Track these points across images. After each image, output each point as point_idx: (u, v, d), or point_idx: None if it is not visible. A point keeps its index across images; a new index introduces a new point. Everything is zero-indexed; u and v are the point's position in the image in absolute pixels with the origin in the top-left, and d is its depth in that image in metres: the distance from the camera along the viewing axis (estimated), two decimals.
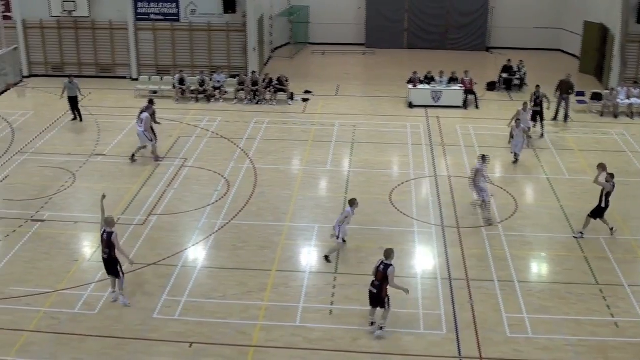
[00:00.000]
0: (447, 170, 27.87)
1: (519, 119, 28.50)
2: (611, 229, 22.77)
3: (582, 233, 22.86)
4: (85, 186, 26.88)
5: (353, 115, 33.77)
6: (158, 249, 22.38)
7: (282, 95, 35.80)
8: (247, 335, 18.36)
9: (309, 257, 22.04)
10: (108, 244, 19.26)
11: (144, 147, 28.73)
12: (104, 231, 19.30)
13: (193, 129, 32.16)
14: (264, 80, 35.78)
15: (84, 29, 39.64)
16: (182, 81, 36.16)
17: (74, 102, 33.28)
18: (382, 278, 17.88)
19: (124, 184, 26.72)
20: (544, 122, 31.55)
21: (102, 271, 21.04)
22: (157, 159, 28.71)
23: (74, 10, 38.59)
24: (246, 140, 30.78)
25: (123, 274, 19.71)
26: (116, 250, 19.34)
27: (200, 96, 35.99)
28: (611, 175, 22.51)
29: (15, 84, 30.22)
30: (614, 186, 22.51)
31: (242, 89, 35.87)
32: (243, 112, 34.45)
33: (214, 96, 36.09)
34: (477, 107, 35.05)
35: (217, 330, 18.59)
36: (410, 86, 35.44)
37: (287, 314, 19.15)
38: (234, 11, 37.93)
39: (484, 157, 24.09)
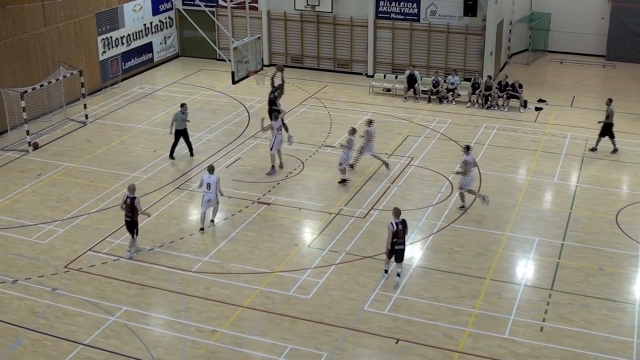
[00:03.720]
0: None
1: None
2: None
3: None
4: (313, 175, 27.78)
5: (586, 128, 32.46)
6: (376, 243, 22.75)
7: (514, 102, 35.12)
8: (454, 340, 18.32)
9: (526, 269, 21.60)
10: (131, 208, 21.64)
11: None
12: (127, 197, 21.72)
13: (422, 129, 32.30)
14: (499, 83, 35.24)
15: (326, 23, 40.83)
16: (411, 76, 36.38)
17: (184, 135, 29.22)
18: (404, 235, 20.26)
19: (349, 177, 27.30)
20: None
21: (319, 258, 21.89)
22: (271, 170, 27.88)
23: (317, 5, 39.85)
24: (474, 145, 30.49)
25: (137, 235, 22.16)
26: (138, 214, 21.75)
27: (433, 97, 36.09)
28: None
29: (256, 72, 31.71)
30: None
31: (475, 93, 35.56)
32: (474, 116, 34.17)
33: (446, 98, 36.06)
34: None
35: (425, 330, 18.69)
36: None
37: (496, 325, 18.91)
38: (474, 14, 37.67)
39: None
